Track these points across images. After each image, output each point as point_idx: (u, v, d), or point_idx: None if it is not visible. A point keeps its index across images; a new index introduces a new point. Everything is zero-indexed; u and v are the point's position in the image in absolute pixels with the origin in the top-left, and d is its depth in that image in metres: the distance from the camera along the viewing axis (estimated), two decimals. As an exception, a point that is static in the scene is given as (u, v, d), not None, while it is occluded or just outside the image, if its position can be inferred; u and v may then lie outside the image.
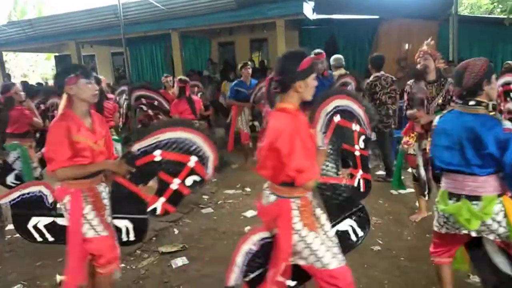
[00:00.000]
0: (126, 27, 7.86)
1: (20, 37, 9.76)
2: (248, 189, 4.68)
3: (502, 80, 3.61)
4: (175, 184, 2.00)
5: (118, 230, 2.17)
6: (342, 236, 2.03)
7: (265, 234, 1.82)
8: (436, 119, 2.05)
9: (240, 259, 1.80)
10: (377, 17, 8.65)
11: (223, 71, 10.06)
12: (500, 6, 9.62)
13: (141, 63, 11.26)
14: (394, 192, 4.25)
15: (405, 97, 3.43)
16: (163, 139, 1.96)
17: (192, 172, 1.99)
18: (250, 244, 1.81)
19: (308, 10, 7.75)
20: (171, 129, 1.96)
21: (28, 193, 2.18)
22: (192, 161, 1.97)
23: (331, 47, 9.26)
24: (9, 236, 3.67)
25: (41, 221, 2.20)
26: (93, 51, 12.19)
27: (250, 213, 3.89)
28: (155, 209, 2.05)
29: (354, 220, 2.08)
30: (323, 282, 1.71)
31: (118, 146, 4.00)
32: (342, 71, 5.79)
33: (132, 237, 2.17)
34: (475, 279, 2.43)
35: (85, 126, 2.02)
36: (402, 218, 3.61)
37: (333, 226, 1.99)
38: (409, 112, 3.35)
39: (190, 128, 1.98)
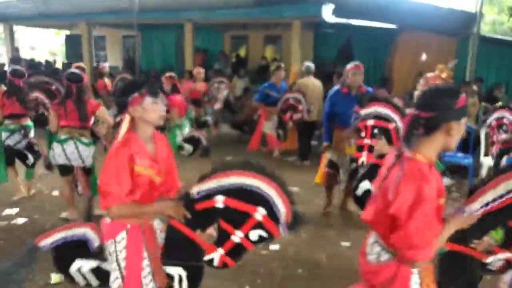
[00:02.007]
0: (140, 13, 7.72)
1: (32, 13, 9.62)
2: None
3: (496, 115, 4.05)
4: (237, 236, 1.74)
5: (170, 277, 1.91)
6: None
7: None
8: None
9: None
10: (395, 26, 8.48)
11: (235, 66, 9.93)
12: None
13: (151, 49, 11.12)
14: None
15: None
16: (227, 184, 1.71)
17: (258, 225, 1.72)
18: None
19: (326, 13, 7.59)
20: (237, 173, 1.71)
21: (72, 235, 1.92)
22: (259, 213, 1.69)
23: (346, 51, 9.12)
24: (6, 223, 3.64)
25: (86, 265, 1.94)
26: (104, 32, 12.05)
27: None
28: (212, 260, 1.81)
29: None
30: None
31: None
32: (311, 78, 5.65)
33: (184, 286, 1.92)
34: None
35: (148, 153, 1.74)
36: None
37: None
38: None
39: (261, 175, 1.69)
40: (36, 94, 4.08)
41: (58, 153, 3.40)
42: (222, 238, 1.77)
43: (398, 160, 1.39)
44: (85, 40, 9.95)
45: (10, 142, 3.91)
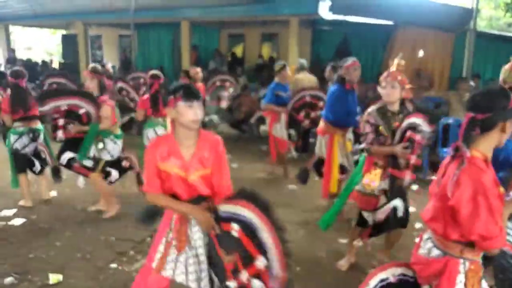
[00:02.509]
0: (136, 12, 7.70)
1: (27, 13, 9.60)
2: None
3: None
4: (244, 276, 1.67)
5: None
6: None
7: (408, 271, 1.69)
8: None
9: (373, 282, 1.68)
10: (392, 23, 8.47)
11: (230, 64, 9.90)
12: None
13: (148, 48, 11.09)
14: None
15: (367, 128, 2.70)
16: (240, 214, 1.65)
17: (258, 276, 1.65)
18: (389, 274, 1.69)
19: (323, 10, 7.59)
20: (248, 205, 1.63)
21: None
22: (261, 263, 1.62)
23: (344, 48, 9.11)
24: (3, 223, 3.64)
25: None
26: (101, 32, 12.03)
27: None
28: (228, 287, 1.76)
29: None
30: None
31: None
32: (306, 74, 5.56)
33: None
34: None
35: (180, 153, 1.78)
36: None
37: None
38: (384, 148, 2.67)
39: (267, 219, 1.61)
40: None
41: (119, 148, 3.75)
42: (235, 271, 1.71)
43: (455, 158, 1.51)
44: (82, 40, 9.91)
45: (18, 145, 3.82)
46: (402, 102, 2.74)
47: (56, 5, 9.19)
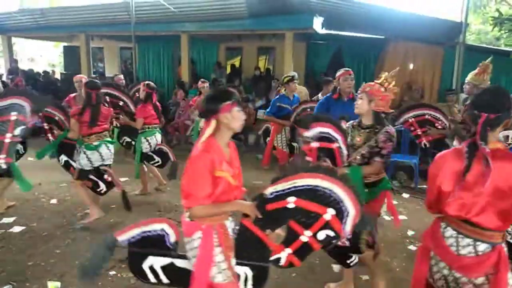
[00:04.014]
0: (137, 25, 7.93)
1: (30, 25, 9.82)
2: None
3: None
4: (305, 236, 1.81)
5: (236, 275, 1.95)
6: None
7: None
8: None
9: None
10: (384, 36, 8.74)
11: (229, 76, 10.13)
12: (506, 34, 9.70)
13: (148, 60, 11.34)
14: (386, 217, 4.25)
15: None
16: (299, 185, 1.77)
17: (326, 225, 1.78)
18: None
19: (317, 25, 7.85)
20: (310, 175, 1.76)
21: (149, 231, 1.95)
22: (329, 214, 1.76)
23: (337, 60, 9.36)
24: (3, 231, 3.67)
25: (158, 262, 1.97)
26: (102, 44, 12.26)
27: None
28: (278, 259, 1.88)
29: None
30: None
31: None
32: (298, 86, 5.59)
33: (250, 285, 1.95)
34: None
35: (226, 158, 1.83)
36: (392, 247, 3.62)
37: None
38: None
39: (332, 178, 1.75)
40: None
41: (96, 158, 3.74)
42: (290, 238, 1.83)
43: (475, 155, 1.60)
44: (83, 52, 10.13)
45: None
46: (377, 116, 2.54)
47: (59, 17, 9.43)
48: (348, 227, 1.77)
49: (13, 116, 3.04)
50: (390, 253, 3.45)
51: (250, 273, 1.93)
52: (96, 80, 3.92)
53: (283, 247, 1.85)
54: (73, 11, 9.22)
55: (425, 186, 5.41)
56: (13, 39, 11.77)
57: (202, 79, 6.66)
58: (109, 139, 3.88)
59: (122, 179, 5.49)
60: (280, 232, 1.89)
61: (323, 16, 7.88)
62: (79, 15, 9.13)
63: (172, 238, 1.94)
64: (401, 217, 4.17)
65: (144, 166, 4.80)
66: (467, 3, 7.02)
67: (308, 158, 2.46)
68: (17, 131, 3.07)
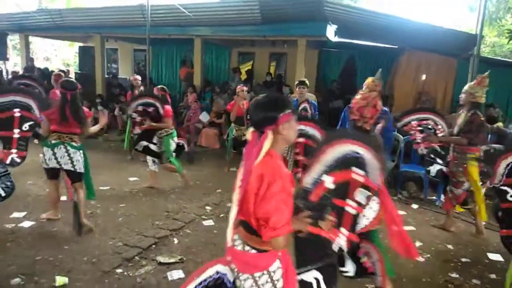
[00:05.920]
0: (151, 28, 8.04)
1: (48, 25, 10.01)
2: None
3: None
4: (350, 206, 1.78)
5: (308, 285, 1.82)
6: None
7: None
8: None
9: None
10: (397, 46, 8.71)
11: (244, 82, 10.16)
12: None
13: (161, 63, 11.48)
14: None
15: None
16: (329, 160, 1.73)
17: (361, 186, 1.79)
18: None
19: (330, 32, 7.86)
20: (333, 144, 1.74)
21: (205, 280, 1.72)
22: (356, 173, 1.76)
23: (349, 69, 9.35)
24: (13, 225, 3.74)
25: None
26: (117, 45, 12.45)
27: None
28: (341, 248, 1.83)
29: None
30: None
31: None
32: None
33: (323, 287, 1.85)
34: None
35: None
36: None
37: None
38: None
39: (356, 140, 1.75)
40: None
41: (49, 157, 3.60)
42: (339, 216, 1.78)
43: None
44: (98, 52, 10.29)
45: None
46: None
47: (76, 18, 9.62)
48: (377, 181, 1.78)
49: (17, 112, 3.10)
50: (397, 263, 3.39)
51: (320, 276, 1.83)
52: (72, 80, 3.82)
53: (337, 230, 1.80)
54: (90, 13, 9.41)
55: (434, 197, 5.38)
56: (30, 38, 12.00)
57: (241, 84, 6.80)
58: (75, 144, 3.65)
59: (132, 179, 5.57)
60: (330, 217, 1.74)
61: (337, 24, 7.88)
62: (95, 17, 9.29)
63: (230, 276, 1.71)
64: (409, 227, 4.14)
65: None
66: (483, 15, 6.94)
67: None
68: (26, 127, 3.13)
